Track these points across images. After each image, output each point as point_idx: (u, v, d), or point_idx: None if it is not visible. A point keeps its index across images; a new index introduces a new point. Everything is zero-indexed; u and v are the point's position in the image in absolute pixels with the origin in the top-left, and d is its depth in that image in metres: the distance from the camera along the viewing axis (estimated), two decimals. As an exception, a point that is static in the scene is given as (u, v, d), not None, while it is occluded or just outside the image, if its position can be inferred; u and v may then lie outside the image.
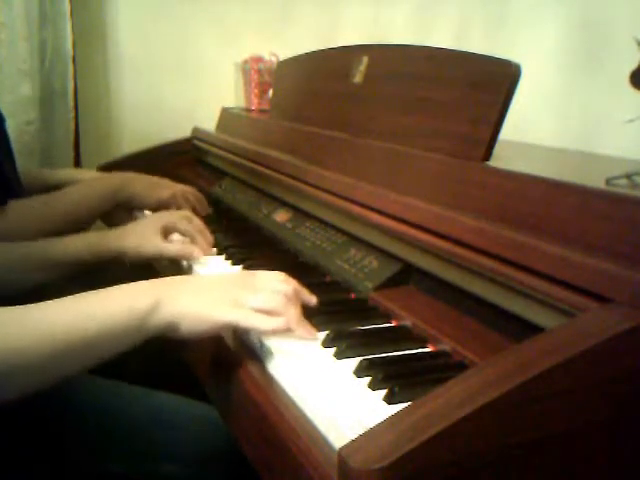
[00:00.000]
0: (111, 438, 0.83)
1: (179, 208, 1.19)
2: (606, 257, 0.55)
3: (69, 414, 0.84)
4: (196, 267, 0.92)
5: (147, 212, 1.22)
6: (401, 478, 0.42)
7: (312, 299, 0.72)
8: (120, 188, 1.16)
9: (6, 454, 0.76)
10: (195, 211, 1.19)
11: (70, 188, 1.13)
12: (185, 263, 0.94)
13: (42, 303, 0.61)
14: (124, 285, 0.66)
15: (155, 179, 1.25)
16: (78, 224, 1.13)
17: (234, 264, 0.94)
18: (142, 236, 0.91)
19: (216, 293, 0.66)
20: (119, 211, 1.21)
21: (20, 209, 1.03)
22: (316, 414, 0.55)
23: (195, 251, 0.92)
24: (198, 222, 0.98)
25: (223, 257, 0.97)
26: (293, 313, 0.66)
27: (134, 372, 0.93)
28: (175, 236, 0.97)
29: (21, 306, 0.59)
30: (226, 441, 0.84)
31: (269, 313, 0.65)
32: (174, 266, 0.96)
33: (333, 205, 0.95)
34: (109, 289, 0.65)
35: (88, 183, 1.19)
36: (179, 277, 0.71)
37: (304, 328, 0.67)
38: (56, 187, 1.33)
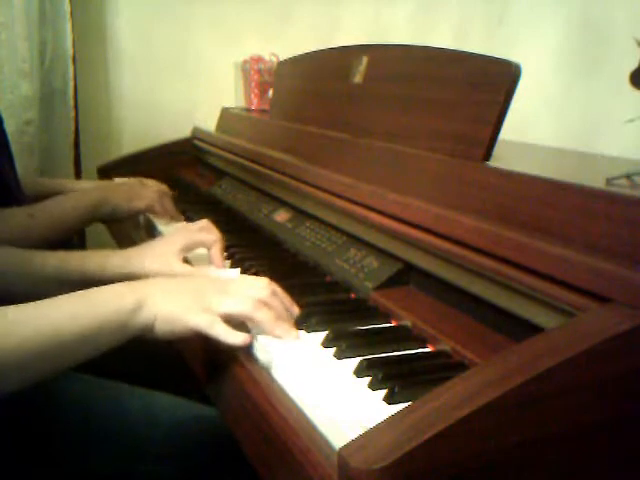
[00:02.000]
0: (110, 438, 0.83)
1: (158, 214, 1.19)
2: (606, 257, 0.55)
3: (67, 414, 0.84)
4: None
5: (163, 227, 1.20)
6: (401, 478, 0.42)
7: (294, 309, 0.72)
8: (99, 204, 1.14)
9: (3, 455, 0.75)
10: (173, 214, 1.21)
11: (52, 201, 1.13)
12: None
13: (33, 303, 0.62)
14: (109, 286, 0.68)
15: (133, 187, 1.22)
16: (62, 236, 1.12)
17: (234, 264, 0.94)
18: (162, 259, 0.87)
19: (191, 296, 0.67)
20: (125, 219, 1.21)
21: (4, 218, 1.02)
22: (316, 414, 0.55)
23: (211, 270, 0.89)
24: (216, 230, 0.94)
25: (233, 265, 0.95)
26: (264, 316, 0.66)
27: (133, 372, 0.93)
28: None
29: (11, 305, 0.61)
30: (226, 441, 0.84)
31: (238, 317, 0.67)
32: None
33: (333, 205, 0.95)
34: (96, 290, 0.66)
35: (70, 197, 1.17)
36: (161, 278, 0.73)
37: (280, 328, 0.67)
38: (47, 197, 1.34)
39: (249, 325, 0.69)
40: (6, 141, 1.17)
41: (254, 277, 0.73)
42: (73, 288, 0.85)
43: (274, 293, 0.70)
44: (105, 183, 1.26)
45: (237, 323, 0.68)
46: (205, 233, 0.92)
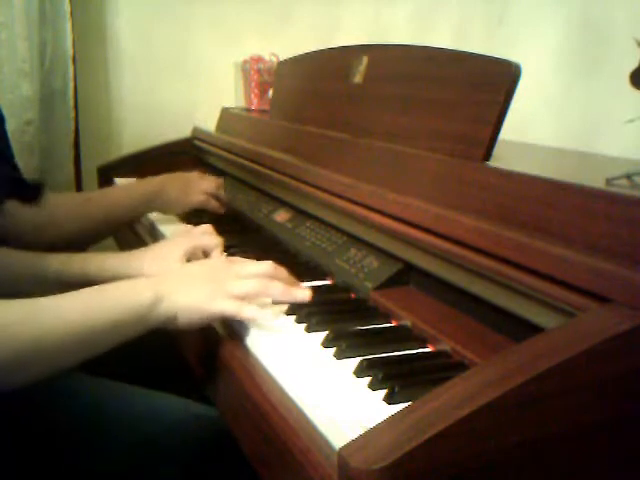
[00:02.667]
0: (109, 438, 0.83)
1: (213, 209, 1.23)
2: (606, 257, 0.55)
3: (67, 414, 0.84)
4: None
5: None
6: (401, 478, 0.42)
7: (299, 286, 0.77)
8: (155, 196, 1.16)
9: (6, 454, 0.75)
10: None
11: (109, 189, 1.15)
12: None
13: (57, 296, 0.66)
14: (125, 281, 0.72)
15: (191, 180, 1.23)
16: (115, 225, 1.15)
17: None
18: (163, 263, 0.86)
19: (208, 284, 0.71)
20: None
21: (59, 203, 1.03)
22: (316, 414, 0.55)
23: None
24: (217, 237, 0.94)
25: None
26: (276, 288, 0.72)
27: (133, 372, 0.93)
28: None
29: (34, 299, 0.64)
30: (226, 442, 0.84)
31: (255, 295, 0.72)
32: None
33: (333, 205, 0.95)
34: (113, 285, 0.70)
35: (127, 186, 1.20)
36: (173, 272, 0.77)
37: (292, 295, 0.73)
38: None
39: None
40: (7, 142, 1.17)
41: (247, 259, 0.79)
42: (74, 290, 0.86)
43: (275, 266, 0.76)
44: (160, 177, 1.24)
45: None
46: (207, 237, 0.93)
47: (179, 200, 1.19)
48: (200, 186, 1.22)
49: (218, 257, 0.91)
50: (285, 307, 0.76)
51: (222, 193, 1.26)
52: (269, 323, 0.71)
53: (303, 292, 0.74)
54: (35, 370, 0.62)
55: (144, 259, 0.88)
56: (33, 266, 0.86)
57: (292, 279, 0.78)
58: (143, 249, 0.91)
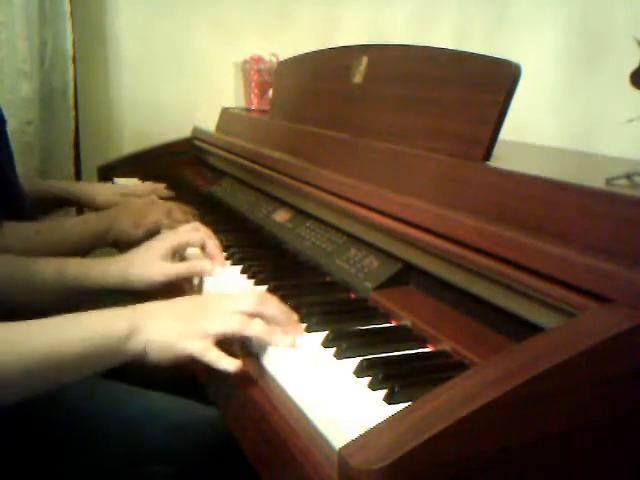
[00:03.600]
0: (109, 439, 0.83)
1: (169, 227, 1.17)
2: (606, 257, 0.55)
3: (67, 414, 0.84)
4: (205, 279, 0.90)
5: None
6: (401, 478, 0.42)
7: (293, 315, 0.71)
8: (109, 229, 1.12)
9: (4, 455, 0.75)
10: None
11: (63, 222, 1.12)
12: (196, 280, 0.90)
13: (23, 322, 0.63)
14: (104, 311, 0.67)
15: (138, 210, 1.19)
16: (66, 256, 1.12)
17: (234, 264, 0.94)
18: (145, 263, 0.87)
19: (183, 321, 0.67)
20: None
21: (12, 232, 1.02)
22: (316, 414, 0.55)
23: (206, 265, 0.88)
24: (206, 230, 0.94)
25: (233, 264, 0.95)
26: (257, 328, 0.66)
27: (132, 373, 0.93)
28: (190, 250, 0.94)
29: (20, 323, 0.62)
30: (226, 442, 0.84)
31: (231, 335, 0.67)
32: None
33: (333, 205, 0.95)
34: (89, 314, 0.66)
35: (82, 221, 1.16)
36: (157, 303, 0.71)
37: (275, 336, 0.66)
38: (46, 198, 1.34)
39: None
40: (9, 148, 1.17)
41: (247, 293, 0.73)
42: (70, 294, 0.85)
43: (263, 300, 0.69)
44: (110, 213, 1.23)
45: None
46: (194, 233, 0.92)
47: (129, 233, 1.13)
48: (148, 211, 1.17)
49: (213, 249, 0.91)
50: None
51: (177, 212, 1.19)
52: (230, 369, 0.64)
53: (285, 339, 0.67)
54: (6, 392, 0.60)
55: (128, 264, 0.87)
56: (29, 272, 0.86)
57: (284, 314, 0.70)
58: (125, 257, 0.91)
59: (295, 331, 0.69)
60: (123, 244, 1.14)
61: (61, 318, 0.65)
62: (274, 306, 0.70)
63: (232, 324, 0.66)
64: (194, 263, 0.89)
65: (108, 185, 1.51)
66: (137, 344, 0.65)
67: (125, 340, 0.65)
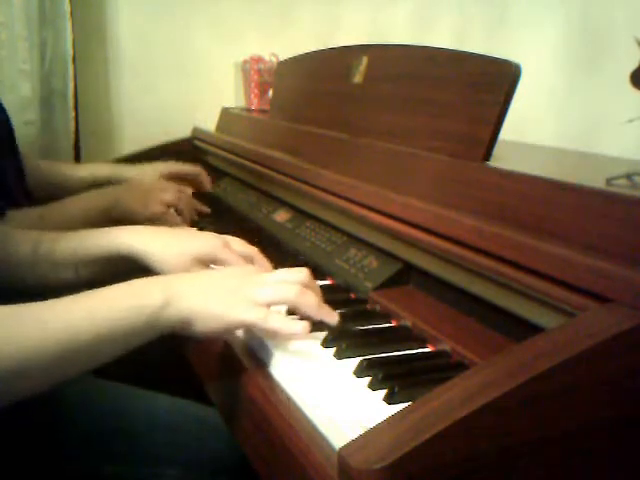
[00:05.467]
0: (111, 440, 0.83)
1: (172, 223, 1.14)
2: (606, 257, 0.55)
3: (68, 415, 0.84)
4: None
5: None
6: (401, 478, 0.42)
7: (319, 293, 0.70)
8: (113, 206, 1.10)
9: (4, 455, 0.75)
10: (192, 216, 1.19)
11: (66, 202, 1.10)
12: None
13: (49, 301, 0.59)
14: (134, 281, 0.63)
15: (147, 191, 1.16)
16: None
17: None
18: (173, 253, 0.77)
19: (227, 291, 0.64)
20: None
21: (17, 220, 1.01)
22: (316, 414, 0.55)
23: None
24: (265, 265, 0.82)
25: None
26: (311, 300, 0.64)
27: (132, 373, 0.93)
28: None
29: (26, 304, 0.57)
30: (227, 443, 0.84)
31: (282, 304, 0.64)
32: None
33: (333, 205, 0.95)
34: (118, 286, 0.63)
35: (84, 199, 1.12)
36: (192, 273, 0.69)
37: (325, 313, 0.65)
38: (58, 183, 1.33)
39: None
40: (12, 138, 1.16)
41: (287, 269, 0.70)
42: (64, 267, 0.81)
43: (311, 277, 0.68)
44: (116, 188, 1.20)
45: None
46: (238, 258, 0.79)
47: (137, 212, 1.11)
48: (159, 197, 1.14)
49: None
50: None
51: (186, 204, 1.18)
52: (300, 332, 0.62)
53: (334, 316, 0.66)
54: (26, 384, 0.56)
55: (153, 239, 0.80)
56: (26, 244, 0.82)
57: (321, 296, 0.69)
58: (157, 228, 0.85)
59: (333, 317, 0.66)
60: (130, 220, 1.11)
61: (90, 293, 0.61)
62: (317, 287, 0.69)
63: (288, 292, 0.64)
64: None
65: (151, 166, 1.41)
66: (177, 313, 0.61)
67: (161, 311, 0.60)
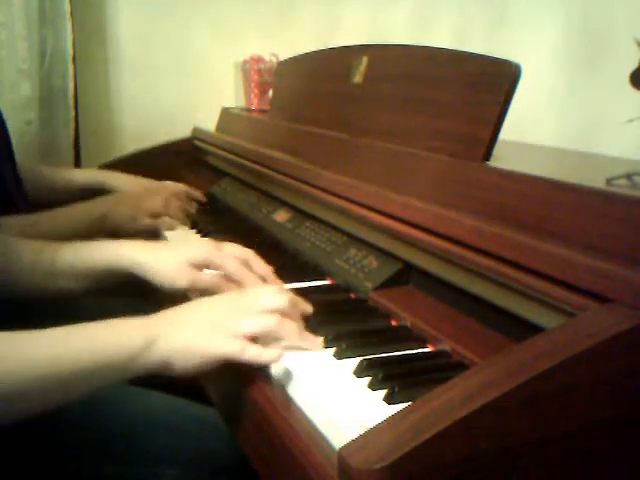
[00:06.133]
0: (110, 440, 0.82)
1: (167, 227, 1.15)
2: (606, 257, 0.55)
3: (67, 415, 0.84)
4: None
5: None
6: (401, 478, 0.42)
7: (308, 307, 0.72)
8: (103, 219, 1.10)
9: (3, 455, 0.75)
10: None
11: (58, 212, 1.09)
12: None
13: (36, 332, 0.60)
14: (118, 320, 0.64)
15: (135, 202, 1.16)
16: None
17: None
18: (169, 261, 0.80)
19: (207, 324, 0.64)
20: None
21: (10, 226, 1.00)
22: (316, 414, 0.55)
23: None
24: (261, 268, 0.83)
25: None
26: (291, 328, 0.65)
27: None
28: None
29: (12, 332, 0.58)
30: (227, 443, 0.84)
31: (264, 335, 0.65)
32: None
33: (333, 205, 0.95)
34: (104, 323, 0.63)
35: (76, 210, 1.12)
36: (173, 310, 0.68)
37: (307, 341, 0.66)
38: (56, 187, 1.32)
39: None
40: (8, 143, 1.16)
41: (264, 288, 0.72)
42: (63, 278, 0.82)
43: (291, 300, 0.68)
44: (107, 196, 1.19)
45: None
46: (234, 261, 0.81)
47: (127, 224, 1.11)
48: (147, 209, 1.14)
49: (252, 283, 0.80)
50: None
51: (174, 208, 1.17)
52: (275, 361, 0.63)
53: (315, 344, 0.66)
54: (3, 410, 0.57)
55: (146, 251, 0.81)
56: (26, 254, 0.83)
57: (302, 306, 0.70)
58: (154, 243, 0.87)
59: (315, 344, 0.67)
60: (121, 232, 1.12)
61: (69, 328, 0.61)
62: (297, 314, 0.69)
63: (265, 323, 0.64)
64: (225, 284, 0.81)
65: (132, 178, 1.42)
66: (157, 354, 0.61)
67: (141, 352, 0.61)
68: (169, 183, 1.30)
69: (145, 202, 1.16)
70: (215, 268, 0.80)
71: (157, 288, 0.80)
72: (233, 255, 0.81)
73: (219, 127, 1.68)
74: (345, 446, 0.44)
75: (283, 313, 0.66)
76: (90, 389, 0.62)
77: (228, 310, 0.66)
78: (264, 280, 0.82)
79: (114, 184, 1.34)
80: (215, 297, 0.74)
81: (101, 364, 0.61)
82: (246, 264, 0.81)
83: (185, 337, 0.63)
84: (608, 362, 0.48)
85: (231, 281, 0.81)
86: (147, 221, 1.14)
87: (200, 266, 0.79)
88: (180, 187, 1.28)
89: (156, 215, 1.15)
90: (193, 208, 1.25)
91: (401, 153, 0.90)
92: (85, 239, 1.06)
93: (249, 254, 0.83)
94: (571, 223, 0.61)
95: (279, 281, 0.83)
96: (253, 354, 0.62)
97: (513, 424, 0.45)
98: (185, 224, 1.19)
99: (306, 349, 0.66)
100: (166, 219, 1.16)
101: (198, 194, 1.33)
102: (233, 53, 1.81)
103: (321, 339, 0.67)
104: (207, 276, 0.80)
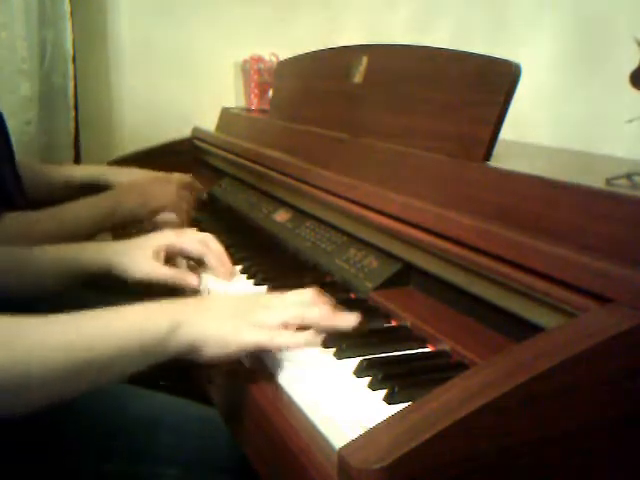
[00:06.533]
0: (111, 439, 0.83)
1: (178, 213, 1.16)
2: (606, 257, 0.55)
3: (69, 414, 0.84)
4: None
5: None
6: (401, 478, 0.42)
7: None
8: (115, 210, 1.10)
9: (5, 454, 0.75)
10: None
11: (65, 207, 1.09)
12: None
13: (61, 316, 0.59)
14: (143, 305, 0.64)
15: (144, 191, 1.16)
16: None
17: (234, 264, 0.94)
18: (133, 255, 0.85)
19: (234, 315, 0.64)
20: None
21: (13, 222, 1.00)
22: (316, 414, 0.55)
23: (192, 280, 0.86)
24: (216, 246, 0.90)
25: (233, 264, 0.93)
26: (319, 311, 0.64)
27: (135, 373, 0.93)
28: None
29: (37, 317, 0.57)
30: (227, 443, 0.84)
31: (292, 322, 0.64)
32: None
33: (333, 205, 0.95)
34: (129, 308, 0.63)
35: (87, 204, 1.11)
36: (198, 299, 0.71)
37: (338, 318, 0.65)
38: (54, 183, 1.32)
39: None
40: (9, 143, 1.16)
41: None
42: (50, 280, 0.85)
43: (318, 295, 0.67)
44: (113, 193, 1.19)
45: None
46: (198, 244, 0.89)
47: (137, 210, 1.12)
48: (157, 194, 1.15)
49: (214, 263, 0.88)
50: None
51: (185, 202, 1.18)
52: (312, 344, 0.63)
53: (350, 318, 0.65)
54: (29, 398, 0.56)
55: (116, 251, 0.86)
56: (33, 259, 0.84)
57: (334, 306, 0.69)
58: (126, 240, 0.90)
59: (347, 319, 0.65)
60: (131, 225, 1.14)
61: (90, 313, 0.60)
62: (326, 300, 0.68)
63: (295, 310, 0.64)
64: (182, 274, 0.87)
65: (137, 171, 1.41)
66: (182, 339, 0.61)
67: (168, 335, 0.60)
68: (176, 174, 1.30)
69: (156, 189, 1.17)
70: (177, 252, 0.91)
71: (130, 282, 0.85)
72: (192, 238, 0.91)
73: (219, 127, 1.68)
74: (345, 446, 0.44)
75: (308, 302, 0.66)
76: (121, 374, 0.62)
77: (253, 305, 0.66)
78: (221, 259, 0.91)
79: (117, 179, 1.33)
80: (242, 295, 0.78)
81: (128, 350, 0.60)
82: (206, 245, 0.91)
83: (212, 325, 0.63)
84: (608, 362, 0.48)
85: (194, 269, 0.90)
86: (157, 206, 1.14)
87: (166, 252, 0.88)
88: (187, 177, 1.29)
89: (166, 203, 1.15)
90: (203, 195, 1.25)
91: (401, 153, 0.90)
92: (92, 234, 1.09)
93: (207, 237, 0.92)
94: (571, 223, 0.61)
95: (230, 263, 0.91)
96: (284, 340, 0.62)
97: (513, 424, 0.45)
98: (190, 214, 1.20)
99: (339, 326, 0.64)
100: (167, 214, 1.16)
101: (200, 187, 1.36)
102: (233, 53, 1.81)
103: (353, 317, 0.65)
104: (165, 268, 0.86)
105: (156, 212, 1.15)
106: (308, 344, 0.63)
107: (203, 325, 0.62)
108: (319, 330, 0.64)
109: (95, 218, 1.09)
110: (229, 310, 0.66)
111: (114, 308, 0.62)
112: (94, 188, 1.32)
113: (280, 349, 0.64)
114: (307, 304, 0.65)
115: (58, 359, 0.56)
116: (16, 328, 0.56)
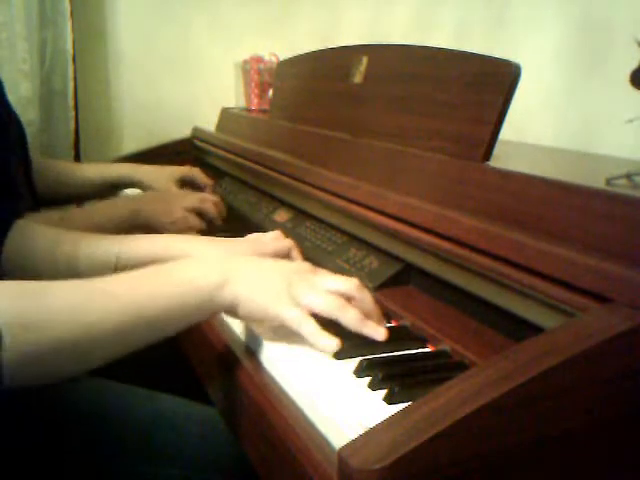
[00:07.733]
0: (112, 440, 0.83)
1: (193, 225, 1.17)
2: (606, 257, 0.55)
3: (71, 415, 0.84)
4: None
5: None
6: (401, 478, 0.42)
7: (370, 299, 0.68)
8: (137, 215, 1.11)
9: (8, 454, 0.76)
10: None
11: (90, 208, 1.11)
12: None
13: (111, 277, 0.61)
14: (192, 260, 0.68)
15: (167, 200, 1.17)
16: None
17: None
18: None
19: (278, 284, 0.64)
20: None
21: (36, 221, 1.00)
22: (316, 414, 0.55)
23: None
24: (288, 240, 0.88)
25: None
26: (352, 315, 0.64)
27: (136, 374, 0.93)
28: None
29: (88, 279, 0.59)
30: (228, 443, 0.84)
31: (324, 314, 0.64)
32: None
33: (333, 205, 0.95)
34: (178, 264, 0.65)
35: (108, 206, 1.13)
36: (242, 257, 0.72)
37: (369, 329, 0.64)
38: (63, 180, 1.33)
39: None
40: (25, 148, 1.16)
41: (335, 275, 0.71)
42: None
43: (361, 288, 0.67)
44: (137, 199, 1.20)
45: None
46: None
47: (159, 221, 1.12)
48: (180, 204, 1.15)
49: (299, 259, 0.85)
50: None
51: (209, 207, 1.19)
52: (327, 350, 0.62)
53: (379, 330, 0.64)
54: (87, 357, 0.58)
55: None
56: (46, 240, 0.83)
57: (375, 307, 0.68)
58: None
59: (379, 332, 0.65)
60: (154, 229, 1.14)
61: (144, 271, 0.63)
62: (369, 298, 0.68)
63: (329, 303, 0.63)
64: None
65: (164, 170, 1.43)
66: (228, 295, 0.63)
67: (217, 290, 0.62)
68: (197, 194, 1.31)
69: (180, 198, 1.18)
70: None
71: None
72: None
73: (219, 127, 1.68)
74: (345, 446, 0.44)
75: (348, 298, 0.66)
76: (172, 330, 0.62)
77: (298, 277, 0.66)
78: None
79: (142, 179, 1.37)
80: (290, 262, 0.77)
81: (182, 305, 0.61)
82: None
83: (254, 288, 0.64)
84: (608, 362, 0.48)
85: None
86: (181, 213, 1.15)
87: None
88: (186, 169, 1.41)
89: (191, 210, 1.16)
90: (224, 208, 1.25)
91: (401, 153, 0.90)
92: (116, 233, 1.08)
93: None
94: (571, 223, 0.61)
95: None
96: (309, 331, 0.62)
97: (513, 424, 0.45)
98: (217, 222, 1.19)
99: (367, 334, 0.64)
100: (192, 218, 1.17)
101: (204, 179, 1.43)
102: (233, 53, 1.81)
103: (383, 330, 0.65)
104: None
105: (180, 218, 1.15)
106: (323, 350, 0.63)
107: (246, 286, 0.64)
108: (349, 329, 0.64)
109: (117, 218, 1.10)
110: (274, 277, 0.66)
111: (174, 263, 0.65)
112: (105, 188, 1.35)
113: (302, 335, 0.63)
114: (350, 291, 0.66)
115: (125, 316, 0.58)
116: (89, 289, 0.59)
